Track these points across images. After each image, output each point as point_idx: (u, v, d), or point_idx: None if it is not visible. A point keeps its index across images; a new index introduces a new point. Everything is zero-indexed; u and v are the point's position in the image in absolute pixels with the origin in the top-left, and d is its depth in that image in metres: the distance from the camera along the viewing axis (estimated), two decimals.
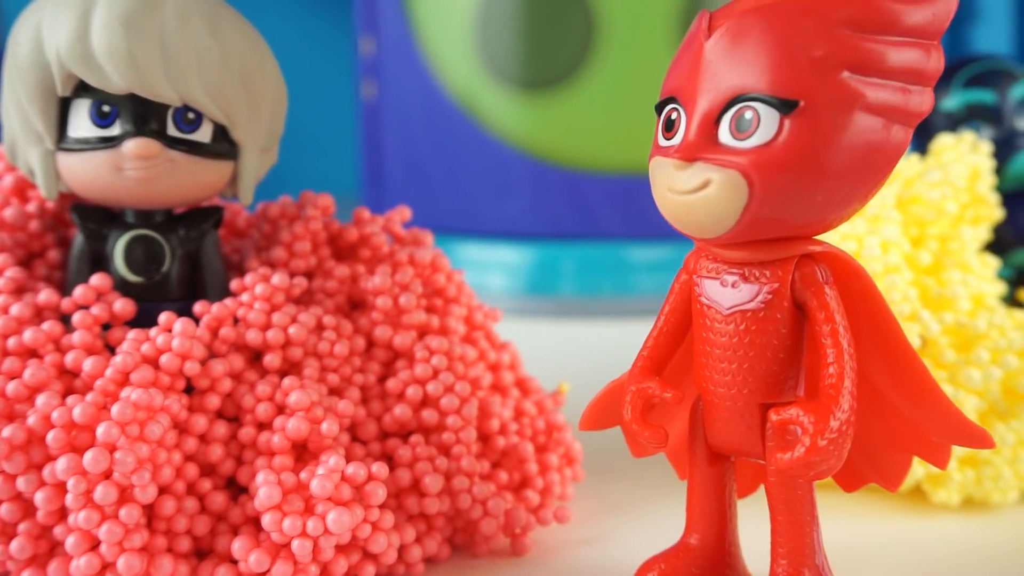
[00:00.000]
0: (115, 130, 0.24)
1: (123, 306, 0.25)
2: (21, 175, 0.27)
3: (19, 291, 0.25)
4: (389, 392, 0.26)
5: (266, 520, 0.22)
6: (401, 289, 0.27)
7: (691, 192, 0.20)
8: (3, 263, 0.25)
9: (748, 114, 0.20)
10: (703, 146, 0.20)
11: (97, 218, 0.26)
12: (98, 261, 0.26)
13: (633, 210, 0.54)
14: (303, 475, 0.23)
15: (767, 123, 0.20)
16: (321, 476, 0.22)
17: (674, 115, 0.21)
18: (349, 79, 0.71)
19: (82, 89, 0.24)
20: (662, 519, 0.27)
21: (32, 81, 0.24)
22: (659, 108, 0.22)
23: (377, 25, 0.57)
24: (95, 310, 0.24)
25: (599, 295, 0.54)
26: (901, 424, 0.23)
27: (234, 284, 0.26)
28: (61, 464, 0.22)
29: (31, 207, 0.27)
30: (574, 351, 0.48)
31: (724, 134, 0.20)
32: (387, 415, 0.26)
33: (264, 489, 0.22)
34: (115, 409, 0.22)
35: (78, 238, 0.26)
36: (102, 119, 0.24)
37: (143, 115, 0.24)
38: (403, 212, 0.30)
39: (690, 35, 0.22)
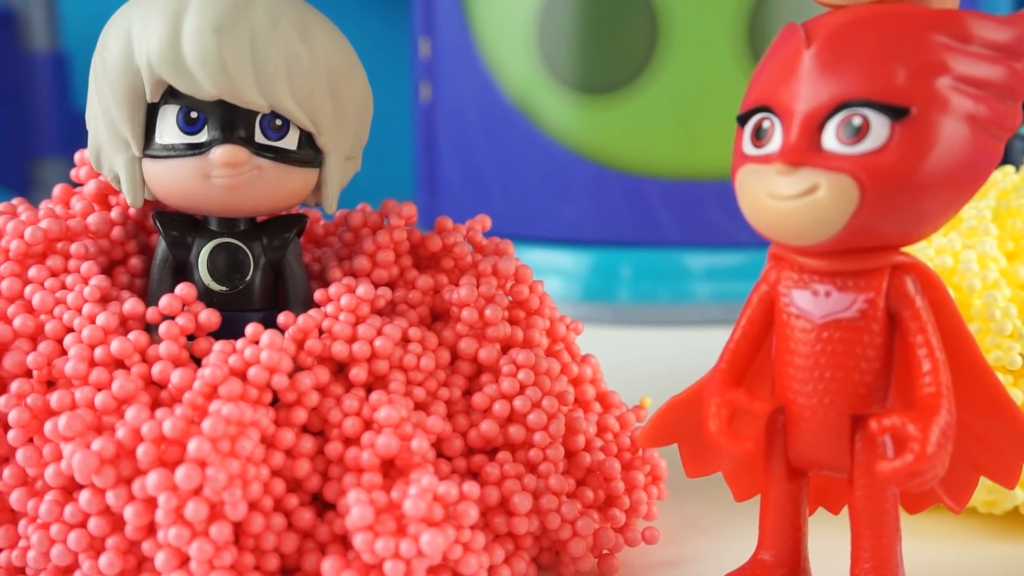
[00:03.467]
0: (203, 137, 0.24)
1: (208, 317, 0.24)
2: (104, 181, 0.27)
3: (104, 300, 0.25)
4: (475, 407, 0.26)
5: (358, 540, 0.22)
6: (486, 301, 0.26)
7: (796, 197, 0.20)
8: (88, 271, 0.25)
9: (857, 120, 0.20)
10: (808, 151, 0.20)
11: (180, 226, 0.25)
12: (181, 269, 0.25)
13: (692, 216, 0.53)
14: (394, 494, 0.22)
15: (877, 129, 0.20)
16: (414, 496, 0.22)
17: (766, 123, 0.21)
18: (405, 81, 0.71)
19: (170, 95, 0.24)
20: (748, 538, 0.27)
21: (121, 87, 0.24)
22: (744, 118, 0.22)
23: (434, 26, 0.57)
24: (181, 320, 0.24)
25: (656, 302, 0.53)
26: (971, 441, 0.22)
27: (318, 295, 0.26)
28: (152, 479, 0.21)
29: (114, 213, 0.26)
30: (631, 358, 0.48)
31: (829, 140, 0.20)
32: (473, 431, 0.26)
33: (356, 509, 0.22)
34: (207, 424, 0.22)
35: (161, 246, 0.25)
36: (190, 125, 0.24)
37: (231, 122, 0.24)
38: (484, 221, 0.29)
39: (778, 46, 0.22)
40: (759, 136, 0.21)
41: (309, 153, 0.25)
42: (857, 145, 0.20)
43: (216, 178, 0.24)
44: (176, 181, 0.24)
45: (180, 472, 0.21)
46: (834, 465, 0.22)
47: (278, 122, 0.24)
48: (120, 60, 0.24)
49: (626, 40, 0.51)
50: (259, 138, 0.24)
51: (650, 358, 0.48)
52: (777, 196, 0.20)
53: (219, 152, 0.24)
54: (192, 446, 0.21)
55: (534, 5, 0.52)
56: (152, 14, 0.23)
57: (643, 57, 0.51)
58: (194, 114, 0.24)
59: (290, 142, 0.24)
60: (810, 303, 0.21)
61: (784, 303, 0.22)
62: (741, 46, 0.50)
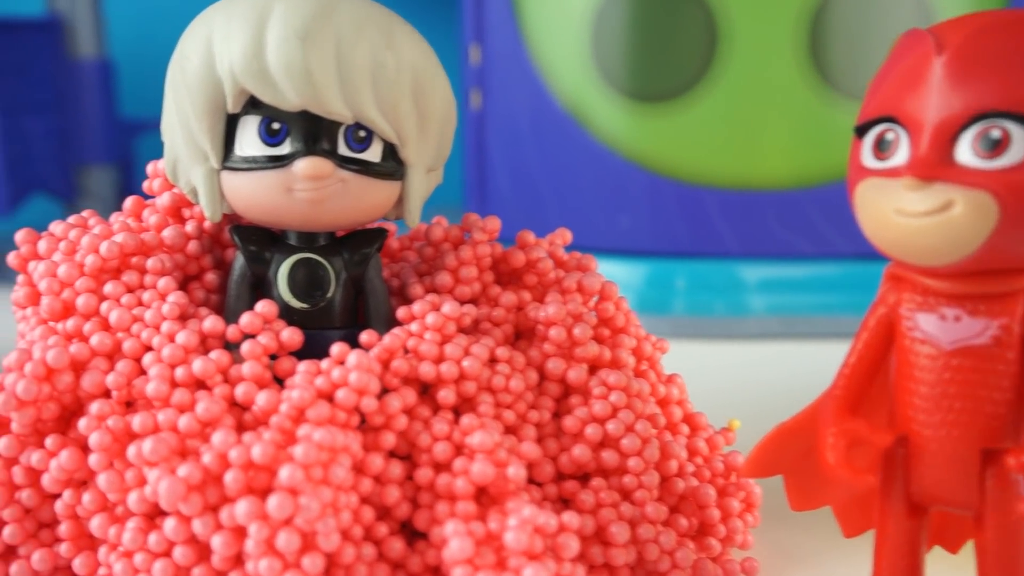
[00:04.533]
0: (285, 148, 0.23)
1: (291, 335, 0.23)
2: (178, 193, 0.26)
3: (183, 317, 0.24)
4: (565, 431, 0.25)
5: (457, 574, 0.21)
6: (575, 319, 0.25)
7: (928, 214, 0.19)
8: (165, 287, 0.24)
9: (995, 132, 0.19)
10: (940, 165, 0.19)
11: (259, 240, 0.24)
12: (258, 286, 0.24)
13: (750, 227, 0.52)
14: (492, 524, 0.21)
15: (1019, 143, 0.18)
16: (515, 528, 0.21)
17: (890, 135, 0.20)
18: (455, 89, 0.70)
19: (251, 105, 0.23)
20: (850, 571, 0.25)
21: (201, 98, 0.23)
22: (864, 128, 0.21)
23: (485, 33, 0.56)
24: (263, 339, 0.23)
25: (712, 314, 0.52)
26: None
27: (401, 312, 0.25)
28: (241, 508, 0.20)
29: (189, 227, 0.26)
30: (686, 372, 0.46)
31: (964, 154, 0.19)
32: (563, 455, 0.25)
33: (456, 541, 0.21)
34: (299, 450, 0.20)
35: (238, 261, 0.24)
36: (271, 137, 0.23)
37: (314, 133, 0.23)
38: (564, 235, 0.28)
39: (902, 53, 0.20)
40: (882, 148, 0.20)
41: (392, 165, 0.24)
42: (995, 160, 0.18)
43: (299, 191, 0.23)
44: (257, 194, 0.23)
45: (272, 501, 0.20)
46: (960, 502, 0.20)
47: (362, 133, 0.23)
48: (200, 69, 0.23)
49: (684, 47, 0.50)
50: (342, 150, 0.23)
51: (705, 372, 0.47)
52: (906, 213, 0.19)
53: (303, 165, 0.23)
54: (284, 474, 0.20)
55: (588, 10, 0.51)
56: (234, 22, 0.22)
57: (701, 64, 0.50)
58: (276, 125, 0.23)
59: (373, 154, 0.23)
60: (937, 328, 0.20)
61: (907, 327, 0.21)
62: (802, 53, 0.49)
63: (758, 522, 0.27)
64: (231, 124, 0.23)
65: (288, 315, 0.24)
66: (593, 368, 0.26)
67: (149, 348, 0.23)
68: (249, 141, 0.23)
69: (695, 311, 0.53)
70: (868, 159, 0.20)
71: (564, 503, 0.25)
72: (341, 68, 0.22)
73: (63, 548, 0.23)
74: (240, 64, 0.22)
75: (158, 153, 0.76)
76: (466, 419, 0.23)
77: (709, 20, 0.49)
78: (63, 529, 0.23)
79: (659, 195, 0.52)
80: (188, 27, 0.24)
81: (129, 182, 0.62)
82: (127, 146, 0.61)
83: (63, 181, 0.60)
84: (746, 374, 0.45)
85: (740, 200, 0.51)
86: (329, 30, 0.22)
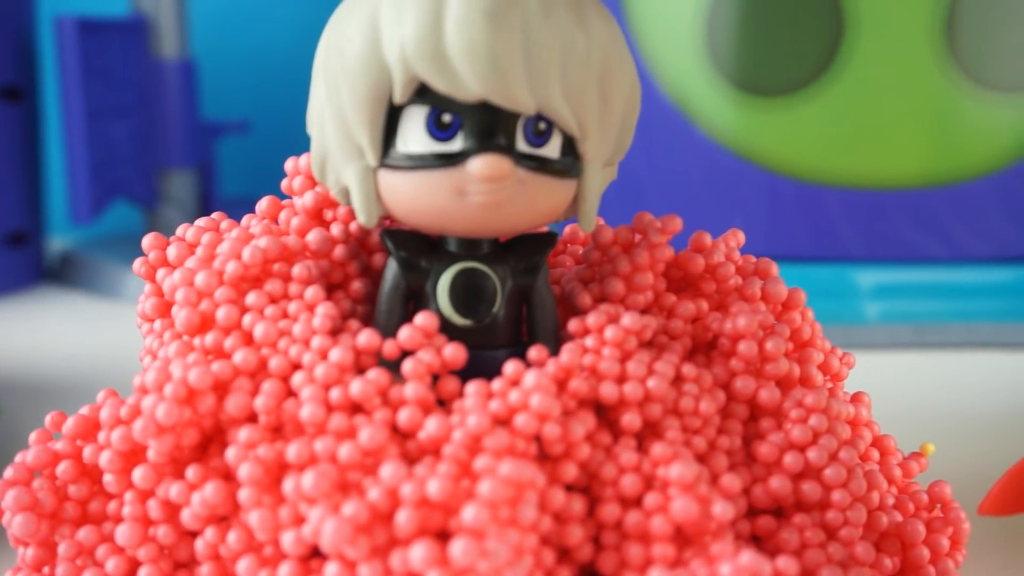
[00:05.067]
0: (456, 145, 0.20)
1: (454, 352, 0.21)
2: (321, 193, 0.23)
3: (334, 332, 0.21)
4: (760, 459, 0.22)
5: None
6: (766, 332, 0.22)
7: None
8: (313, 297, 0.21)
9: None
10: None
11: (415, 247, 0.21)
12: (414, 298, 0.22)
13: (876, 230, 0.48)
14: (700, 572, 0.18)
15: None
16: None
17: None
18: None
19: (418, 95, 0.20)
20: None
21: (363, 85, 0.20)
22: None
23: None
24: (425, 356, 0.20)
25: (835, 322, 0.48)
26: None
27: (573, 325, 0.22)
28: (418, 553, 0.18)
29: (335, 230, 0.23)
30: None
31: None
32: (757, 487, 0.22)
33: None
34: (485, 487, 0.18)
35: (391, 269, 0.22)
36: (442, 131, 0.20)
37: (491, 126, 0.20)
38: (737, 235, 0.25)
39: None
40: None
41: (570, 161, 0.21)
42: None
43: (473, 194, 0.20)
44: (423, 197, 0.20)
45: (457, 546, 0.17)
46: None
47: (542, 126, 0.20)
48: (364, 53, 0.20)
49: (806, 35, 0.47)
50: (521, 145, 0.20)
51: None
52: None
53: (479, 163, 0.20)
54: (469, 514, 0.18)
55: None
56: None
57: (825, 54, 0.47)
58: (447, 117, 0.20)
59: (552, 149, 0.20)
60: None
61: None
62: (939, 43, 0.45)
63: (962, 561, 0.24)
64: (392, 116, 0.20)
65: (448, 332, 0.21)
66: (783, 387, 0.23)
67: (297, 366, 0.21)
68: (415, 136, 0.20)
69: (817, 319, 0.49)
70: None
71: (756, 541, 0.22)
72: (529, 51, 0.19)
73: None
74: (413, 46, 0.19)
75: (239, 156, 0.74)
76: (658, 447, 0.20)
77: (835, 6, 0.46)
78: (204, 571, 0.20)
79: (776, 195, 0.49)
80: (343, 5, 0.21)
81: (209, 186, 0.60)
82: (207, 149, 0.59)
83: (144, 186, 0.58)
84: (883, 386, 0.42)
85: (866, 200, 0.48)
86: (518, 7, 0.19)
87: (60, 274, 0.57)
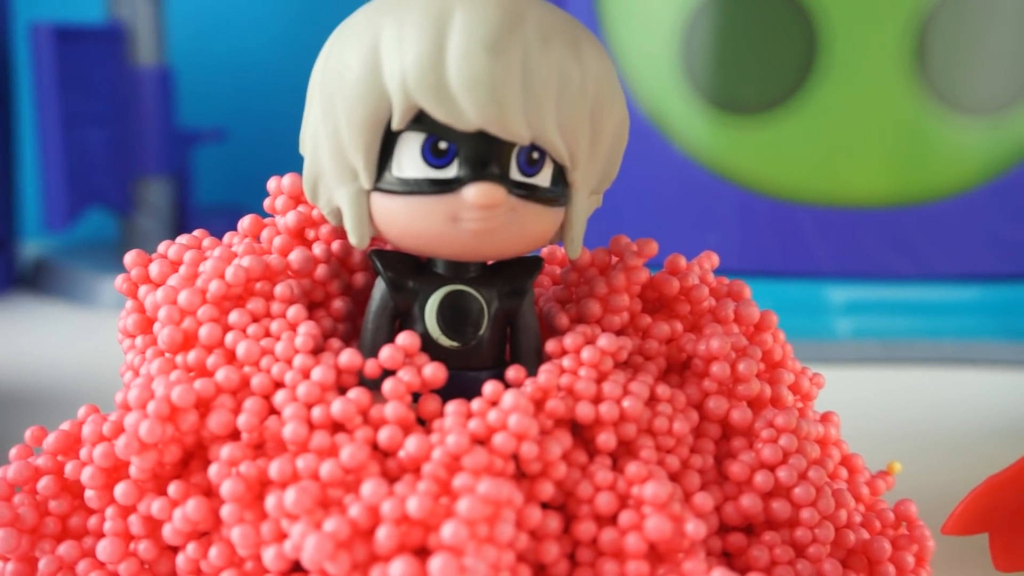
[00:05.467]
0: (451, 172, 0.20)
1: (434, 372, 0.21)
2: (303, 213, 0.24)
3: (315, 351, 0.21)
4: (731, 478, 0.22)
5: None
6: (739, 354, 0.23)
7: None
8: (295, 316, 0.22)
9: None
10: None
11: (403, 268, 0.22)
12: (400, 319, 0.22)
13: (847, 247, 0.49)
14: None
15: None
16: None
17: None
18: None
19: (415, 121, 0.20)
20: None
21: (361, 112, 0.20)
22: None
23: None
24: (406, 376, 0.21)
25: (805, 337, 0.49)
26: None
27: (551, 346, 0.22)
28: (397, 569, 0.18)
29: (317, 250, 0.23)
30: None
31: None
32: (728, 505, 0.22)
33: None
34: (464, 505, 0.18)
35: (379, 290, 0.22)
36: (437, 158, 0.20)
37: (486, 155, 0.20)
38: (712, 258, 0.26)
39: None
40: None
41: (560, 190, 0.21)
42: None
43: (467, 221, 0.20)
44: (416, 222, 0.20)
45: (436, 563, 0.18)
46: None
47: (535, 155, 0.21)
48: (363, 80, 0.20)
49: (781, 55, 0.47)
50: (514, 174, 0.20)
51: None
52: None
53: (475, 191, 0.20)
54: (448, 531, 0.18)
55: (678, 14, 0.48)
56: (407, 27, 0.20)
57: (799, 74, 0.47)
58: (443, 144, 0.20)
59: (544, 178, 0.21)
60: None
61: None
62: (910, 65, 0.46)
63: None
64: (387, 140, 0.20)
65: (434, 353, 0.21)
66: (754, 407, 0.24)
67: (279, 384, 0.21)
68: (410, 161, 0.20)
69: (788, 335, 0.50)
70: None
71: (727, 557, 0.22)
72: (527, 84, 0.19)
73: None
74: (414, 76, 0.19)
75: (214, 164, 0.74)
76: (632, 467, 0.21)
77: (808, 28, 0.47)
78: None
79: (750, 212, 0.50)
80: (342, 28, 0.21)
81: (185, 194, 0.60)
82: (183, 157, 0.59)
83: (119, 193, 0.58)
84: (853, 401, 0.43)
85: (837, 218, 0.49)
86: (517, 40, 0.19)
87: (34, 281, 0.57)
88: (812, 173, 0.49)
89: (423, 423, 0.21)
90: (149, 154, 0.58)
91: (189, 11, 0.65)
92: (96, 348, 0.47)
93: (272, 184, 0.24)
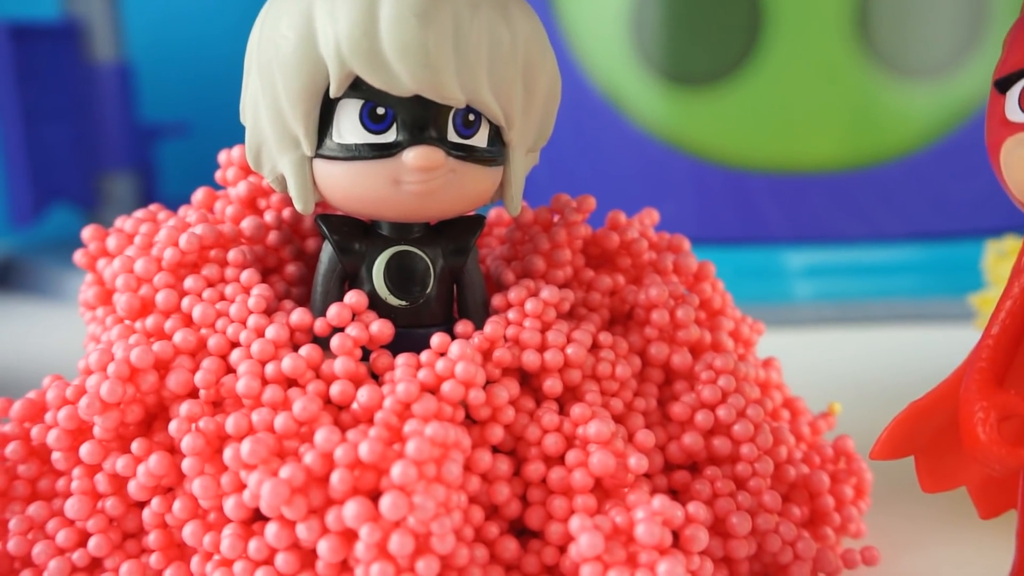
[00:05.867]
0: (390, 136, 0.21)
1: (381, 328, 0.22)
2: (254, 183, 0.25)
3: (268, 311, 0.22)
4: (674, 418, 0.23)
5: (586, 572, 0.19)
6: (677, 302, 0.24)
7: None
8: (248, 280, 0.22)
9: None
10: None
11: (349, 232, 0.22)
12: (349, 280, 0.23)
13: (799, 212, 0.50)
14: (618, 519, 0.20)
15: None
16: (645, 520, 0.19)
17: None
18: None
19: (352, 88, 0.21)
20: (973, 556, 0.24)
21: (298, 80, 0.21)
22: (1006, 83, 0.19)
23: None
24: (353, 332, 0.22)
25: (760, 302, 0.50)
26: None
27: (496, 300, 0.23)
28: (351, 510, 0.19)
29: (268, 217, 0.24)
30: None
31: None
32: (672, 444, 0.23)
33: (585, 537, 0.19)
34: (411, 446, 0.19)
35: (326, 253, 0.23)
36: (376, 123, 0.21)
37: (423, 119, 0.21)
38: (652, 214, 0.27)
39: None
40: None
41: (497, 149, 0.22)
42: None
43: (407, 184, 0.21)
44: (358, 186, 0.21)
45: (385, 501, 0.19)
46: None
47: (471, 117, 0.21)
48: (298, 49, 0.20)
49: (727, 27, 0.49)
50: (452, 136, 0.21)
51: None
52: None
53: (414, 155, 0.21)
54: (396, 471, 0.19)
55: None
56: None
57: (745, 44, 0.49)
58: (381, 110, 0.21)
59: (480, 139, 0.22)
60: None
61: None
62: (850, 29, 0.47)
63: (865, 509, 0.26)
64: (326, 107, 0.21)
65: (384, 312, 0.22)
66: (695, 352, 0.25)
67: (235, 344, 0.22)
68: (349, 127, 0.21)
69: (744, 299, 0.51)
70: (1014, 113, 0.19)
71: (673, 494, 0.23)
72: (459, 48, 0.20)
73: (152, 559, 0.21)
74: (348, 44, 0.20)
75: (179, 158, 0.74)
76: (577, 409, 0.22)
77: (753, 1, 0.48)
78: (152, 539, 0.21)
79: (703, 181, 0.51)
80: (276, 1, 0.22)
81: (150, 187, 0.60)
82: (146, 151, 0.60)
83: (84, 188, 0.58)
84: (806, 361, 0.44)
85: (788, 184, 0.50)
86: (447, 7, 0.20)
87: (1, 278, 0.57)
88: (763, 141, 0.50)
89: (376, 379, 0.22)
90: (112, 149, 0.58)
91: (147, 6, 0.66)
92: (64, 341, 0.47)
93: (223, 156, 0.25)
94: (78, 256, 0.24)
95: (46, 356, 0.45)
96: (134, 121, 0.59)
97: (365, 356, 0.22)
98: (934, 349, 0.44)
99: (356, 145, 0.21)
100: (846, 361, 0.44)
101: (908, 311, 0.49)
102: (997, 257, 0.34)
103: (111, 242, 0.24)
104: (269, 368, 0.21)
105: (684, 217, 0.51)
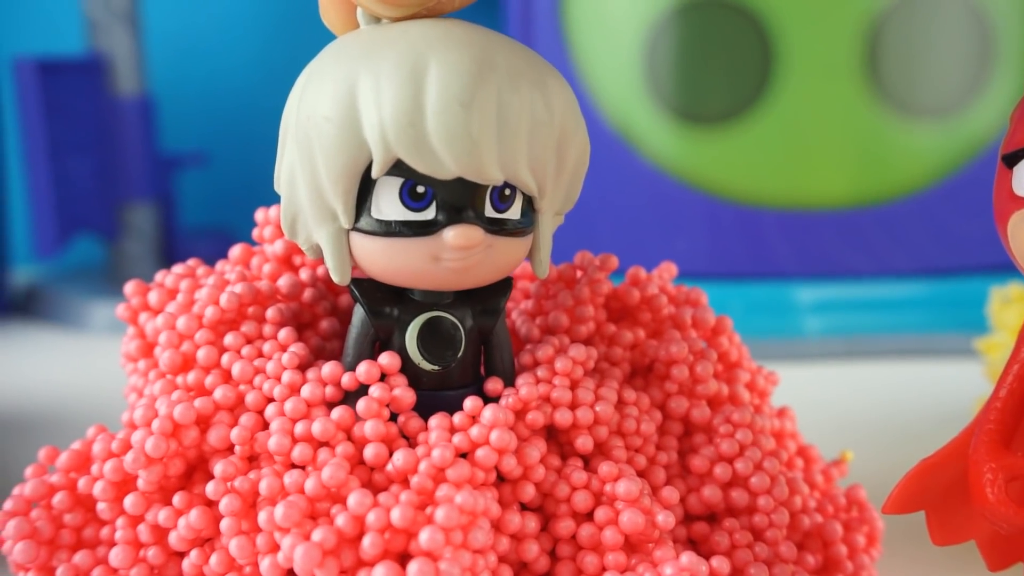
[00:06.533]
0: (429, 214, 0.21)
1: (403, 394, 0.22)
2: (289, 241, 0.25)
3: (302, 367, 0.23)
4: (693, 471, 0.24)
5: None
6: (696, 357, 0.25)
7: None
8: (286, 338, 0.23)
9: None
10: None
11: (382, 297, 0.23)
12: (380, 343, 0.23)
13: (809, 248, 0.51)
14: (647, 575, 0.21)
15: None
16: None
17: None
18: None
19: (392, 167, 0.21)
20: None
21: (339, 162, 0.21)
22: (1014, 158, 0.20)
23: (531, 47, 0.55)
24: (375, 392, 0.22)
25: (771, 336, 0.51)
26: None
27: (524, 357, 0.24)
28: (379, 573, 0.20)
29: (303, 275, 0.25)
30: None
31: None
32: (691, 496, 0.24)
33: None
34: (440, 513, 0.20)
35: (358, 316, 0.23)
36: (415, 201, 0.21)
37: (462, 198, 0.21)
38: (670, 269, 0.28)
39: None
40: None
41: (529, 219, 0.23)
42: None
43: (447, 260, 0.21)
44: (396, 261, 0.22)
45: (413, 567, 0.19)
46: None
47: (507, 192, 0.22)
48: (342, 132, 0.21)
49: (739, 67, 0.50)
50: (488, 211, 0.22)
51: (777, 395, 0.46)
52: None
53: (454, 234, 0.21)
54: (424, 537, 0.20)
55: (641, 30, 0.51)
56: (384, 82, 0.20)
57: (757, 84, 0.50)
58: (421, 189, 0.21)
59: (515, 212, 0.22)
60: None
61: None
62: (860, 71, 0.48)
63: (876, 557, 0.27)
64: (364, 183, 0.21)
65: (414, 375, 0.23)
66: (713, 405, 0.25)
67: (271, 400, 0.23)
68: (388, 204, 0.21)
69: (754, 333, 0.52)
70: (1022, 188, 0.20)
71: (692, 545, 0.24)
72: (501, 132, 0.21)
73: None
74: (394, 132, 0.20)
75: (198, 189, 0.75)
76: (604, 466, 0.22)
77: (764, 40, 0.49)
78: None
79: (714, 217, 0.52)
80: (314, 70, 0.22)
81: (170, 217, 0.61)
82: (167, 181, 0.61)
83: (106, 219, 0.59)
84: (815, 394, 0.45)
85: (798, 221, 0.51)
86: (491, 92, 0.20)
87: (25, 307, 0.58)
88: (774, 178, 0.51)
89: (408, 439, 0.23)
90: (133, 180, 0.59)
91: (167, 40, 0.67)
92: (89, 370, 0.48)
93: (260, 215, 0.26)
94: (120, 310, 0.25)
95: (72, 383, 0.46)
96: (155, 152, 0.60)
97: (393, 417, 0.23)
98: (942, 384, 0.45)
99: (395, 222, 0.21)
100: (855, 395, 0.45)
101: (916, 346, 0.50)
102: (1002, 303, 0.35)
103: (152, 297, 0.25)
104: (300, 427, 0.22)
105: (696, 253, 0.53)
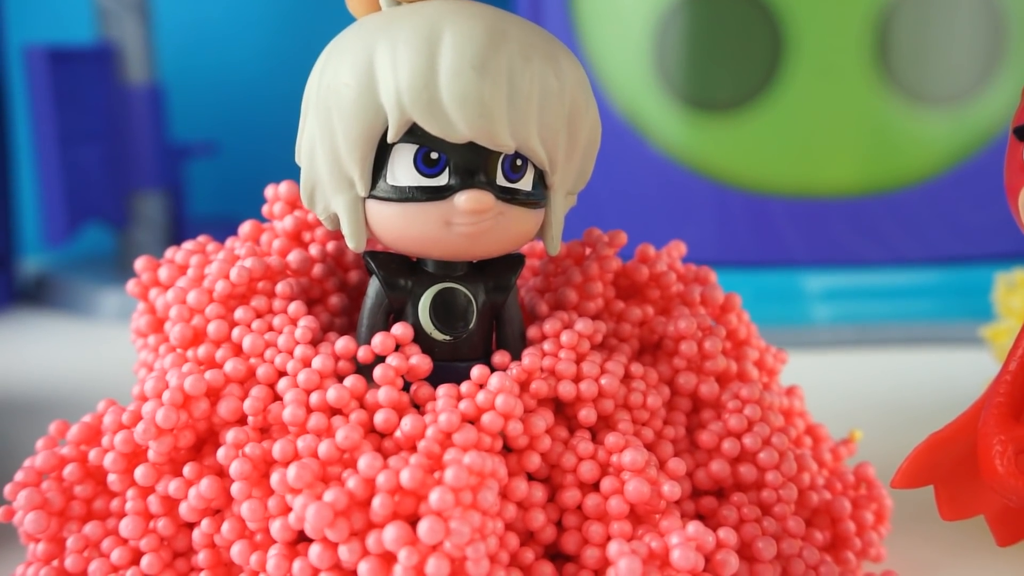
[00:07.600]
0: (442, 180, 0.22)
1: (420, 362, 0.23)
2: (299, 217, 0.26)
3: (314, 342, 0.23)
4: (701, 446, 0.24)
5: None
6: (705, 333, 0.25)
7: None
8: (296, 312, 0.23)
9: None
10: None
11: (397, 268, 0.23)
12: (395, 314, 0.23)
13: (818, 236, 0.51)
14: (653, 544, 0.21)
15: None
16: (680, 546, 0.20)
17: None
18: None
19: (407, 133, 0.22)
20: None
21: (357, 126, 0.22)
22: (1023, 132, 0.20)
23: None
24: (393, 362, 0.22)
25: (781, 324, 0.51)
26: None
27: (532, 331, 0.24)
28: (390, 533, 0.20)
29: (313, 250, 0.25)
30: None
31: None
32: (700, 471, 0.24)
33: (624, 561, 0.20)
34: (449, 474, 0.20)
35: (374, 287, 0.23)
36: (429, 167, 0.22)
37: (475, 164, 0.22)
38: (679, 247, 0.28)
39: None
40: None
41: (540, 192, 0.23)
42: None
43: (459, 226, 0.22)
44: (411, 227, 0.22)
45: (423, 525, 0.20)
46: None
47: (518, 162, 0.22)
48: (360, 97, 0.21)
49: (749, 54, 0.50)
50: (500, 180, 0.22)
51: (789, 382, 0.46)
52: None
53: (466, 198, 0.22)
54: (434, 497, 0.20)
55: (650, 18, 0.51)
56: (400, 48, 0.21)
57: (766, 71, 0.50)
58: (435, 155, 0.22)
59: (526, 182, 0.23)
60: None
61: None
62: (870, 57, 0.48)
63: (885, 534, 0.27)
64: (381, 151, 0.22)
65: (427, 346, 0.23)
66: (722, 382, 0.25)
67: (282, 373, 0.23)
68: (403, 170, 0.22)
69: (763, 321, 0.52)
70: None
71: (700, 519, 0.24)
72: (512, 98, 0.21)
73: None
74: (409, 94, 0.21)
75: (207, 177, 0.75)
76: (611, 437, 0.22)
77: (774, 27, 0.49)
78: (201, 558, 0.22)
79: (724, 205, 0.52)
80: (335, 45, 0.22)
81: (179, 206, 0.61)
82: (176, 170, 0.61)
83: (116, 208, 0.59)
84: (825, 382, 0.45)
85: (808, 209, 0.51)
86: (502, 59, 0.21)
87: (35, 295, 0.59)
88: (783, 166, 0.51)
89: (418, 408, 0.23)
90: (143, 169, 0.59)
91: (177, 29, 0.67)
92: (98, 358, 0.48)
93: (269, 191, 0.26)
94: (131, 286, 0.25)
95: (81, 370, 0.46)
96: (164, 141, 0.60)
97: (406, 387, 0.23)
98: (950, 371, 0.45)
99: (409, 188, 0.22)
100: (864, 382, 0.45)
101: (925, 334, 0.49)
102: (1007, 289, 0.35)
103: (163, 273, 0.25)
104: (314, 397, 0.22)
105: (705, 240, 0.52)
